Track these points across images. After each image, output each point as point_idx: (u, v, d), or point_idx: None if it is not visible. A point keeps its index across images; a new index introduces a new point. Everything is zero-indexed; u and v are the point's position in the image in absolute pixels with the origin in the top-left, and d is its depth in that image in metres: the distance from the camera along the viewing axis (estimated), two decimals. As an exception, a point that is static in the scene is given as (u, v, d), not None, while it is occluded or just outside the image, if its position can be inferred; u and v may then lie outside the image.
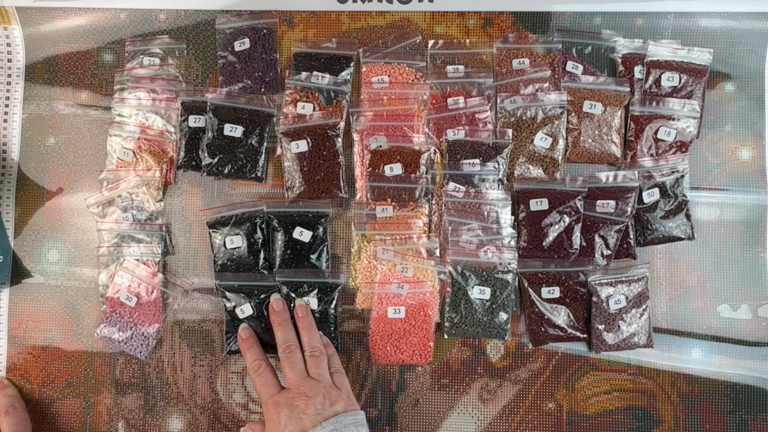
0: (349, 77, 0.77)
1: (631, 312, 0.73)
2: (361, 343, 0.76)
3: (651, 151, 0.75)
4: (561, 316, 0.73)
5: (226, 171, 0.75)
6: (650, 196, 0.74)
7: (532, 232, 0.73)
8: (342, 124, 0.76)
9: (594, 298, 0.73)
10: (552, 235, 0.73)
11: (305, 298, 0.73)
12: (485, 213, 0.74)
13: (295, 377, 0.66)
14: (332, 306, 0.74)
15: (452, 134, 0.75)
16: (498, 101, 0.76)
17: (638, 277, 0.73)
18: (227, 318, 0.74)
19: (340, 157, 0.75)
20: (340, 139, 0.75)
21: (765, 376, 0.74)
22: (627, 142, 0.76)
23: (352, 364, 0.76)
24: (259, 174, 0.76)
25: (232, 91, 0.77)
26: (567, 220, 0.73)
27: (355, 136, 0.76)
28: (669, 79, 0.75)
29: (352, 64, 0.77)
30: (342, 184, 0.75)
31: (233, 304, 0.74)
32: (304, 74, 0.76)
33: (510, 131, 0.75)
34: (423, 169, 0.74)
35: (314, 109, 0.76)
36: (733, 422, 0.74)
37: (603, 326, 0.73)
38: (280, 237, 0.74)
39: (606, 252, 0.73)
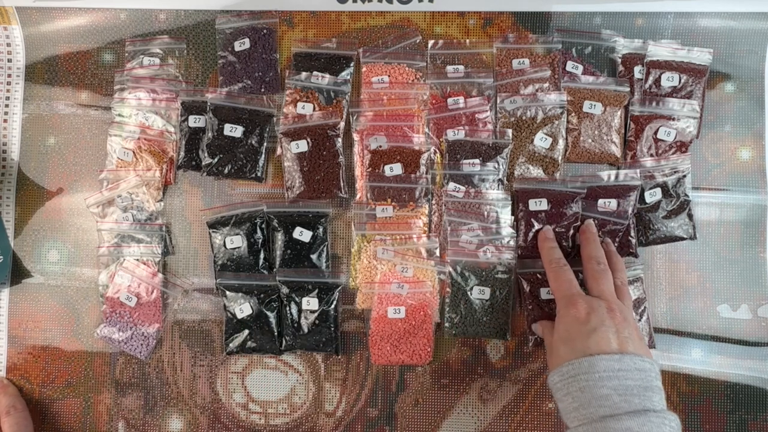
0: (349, 77, 0.77)
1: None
2: (361, 343, 0.76)
3: (651, 151, 0.75)
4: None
5: (226, 171, 0.75)
6: (652, 195, 0.74)
7: (532, 233, 0.73)
8: (342, 124, 0.76)
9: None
10: (552, 235, 0.73)
11: (305, 298, 0.73)
12: (485, 213, 0.74)
13: (610, 293, 0.65)
14: (332, 306, 0.74)
15: (452, 134, 0.75)
16: (498, 101, 0.76)
17: (633, 278, 0.73)
18: (227, 318, 0.74)
19: (340, 157, 0.75)
20: (340, 139, 0.75)
21: (765, 376, 0.74)
22: (627, 142, 0.76)
23: (352, 364, 0.76)
24: (259, 174, 0.76)
25: (232, 91, 0.77)
26: (566, 220, 0.72)
27: (355, 136, 0.76)
28: (669, 79, 0.75)
29: (352, 64, 0.77)
30: (342, 184, 0.75)
31: (233, 303, 0.74)
32: (304, 74, 0.76)
33: (510, 131, 0.75)
34: (423, 169, 0.74)
35: (314, 109, 0.76)
36: (733, 422, 0.74)
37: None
38: (280, 237, 0.74)
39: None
